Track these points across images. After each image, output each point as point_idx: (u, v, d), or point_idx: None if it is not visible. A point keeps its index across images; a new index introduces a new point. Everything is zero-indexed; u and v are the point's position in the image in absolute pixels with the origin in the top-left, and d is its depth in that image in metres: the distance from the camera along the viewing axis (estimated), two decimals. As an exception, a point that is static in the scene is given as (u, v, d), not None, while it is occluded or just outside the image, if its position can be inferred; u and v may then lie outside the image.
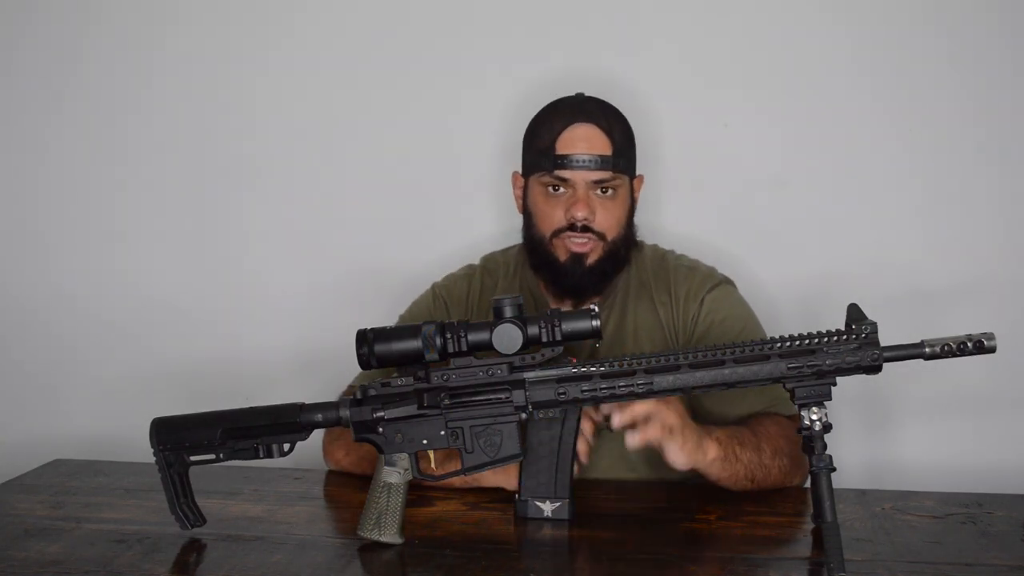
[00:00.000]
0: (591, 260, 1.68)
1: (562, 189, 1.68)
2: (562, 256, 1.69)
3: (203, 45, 2.22)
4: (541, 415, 1.40)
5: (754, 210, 2.06)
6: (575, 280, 1.69)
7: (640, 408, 1.42)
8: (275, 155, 2.22)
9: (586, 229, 1.67)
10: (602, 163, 1.66)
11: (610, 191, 1.69)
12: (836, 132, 2.02)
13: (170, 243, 2.28)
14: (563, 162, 1.66)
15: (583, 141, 1.67)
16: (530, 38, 2.09)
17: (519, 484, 1.49)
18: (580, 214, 1.66)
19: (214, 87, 2.22)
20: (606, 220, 1.68)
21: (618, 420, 1.42)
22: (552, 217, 1.69)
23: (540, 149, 1.69)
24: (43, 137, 2.30)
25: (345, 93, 2.18)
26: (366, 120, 2.18)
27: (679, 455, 1.44)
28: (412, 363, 1.40)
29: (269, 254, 2.25)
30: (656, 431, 1.42)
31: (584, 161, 1.66)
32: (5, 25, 2.28)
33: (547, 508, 1.47)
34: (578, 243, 1.67)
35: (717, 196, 2.07)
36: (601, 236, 1.68)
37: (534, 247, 1.73)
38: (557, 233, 1.68)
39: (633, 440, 1.42)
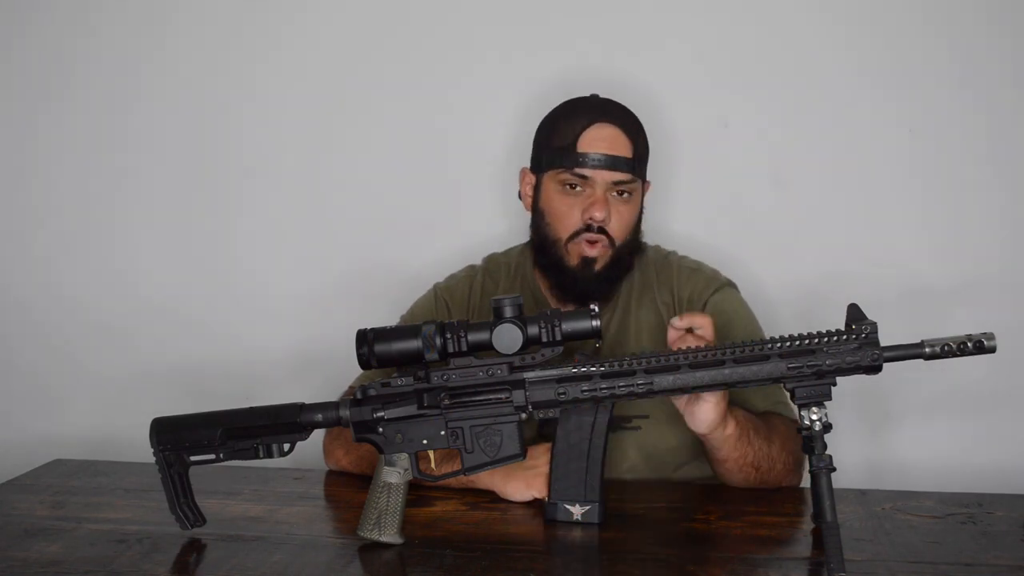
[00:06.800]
0: (599, 266, 1.68)
1: (579, 188, 1.67)
2: (573, 261, 1.68)
3: (200, 44, 2.21)
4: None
5: (754, 210, 2.06)
6: (583, 286, 1.68)
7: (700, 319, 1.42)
8: (275, 155, 2.22)
9: (601, 231, 1.66)
10: (623, 164, 1.66)
11: (626, 194, 1.68)
12: (836, 133, 2.02)
13: (170, 243, 2.28)
14: (584, 160, 1.64)
15: (605, 141, 1.66)
16: (536, 38, 2.09)
17: (548, 487, 1.48)
18: (599, 215, 1.65)
19: (215, 87, 2.22)
20: (619, 224, 1.68)
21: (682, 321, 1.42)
22: (568, 218, 1.67)
23: (559, 146, 1.67)
24: (42, 138, 2.30)
25: (347, 91, 2.18)
26: (368, 119, 2.17)
27: (710, 413, 1.42)
28: (412, 363, 1.40)
29: (269, 254, 2.25)
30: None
31: (606, 160, 1.65)
32: (1, 26, 2.27)
33: (576, 511, 1.46)
34: (591, 244, 1.66)
35: (717, 196, 2.07)
36: (612, 240, 1.68)
37: (545, 247, 1.72)
38: (573, 237, 1.67)
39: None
